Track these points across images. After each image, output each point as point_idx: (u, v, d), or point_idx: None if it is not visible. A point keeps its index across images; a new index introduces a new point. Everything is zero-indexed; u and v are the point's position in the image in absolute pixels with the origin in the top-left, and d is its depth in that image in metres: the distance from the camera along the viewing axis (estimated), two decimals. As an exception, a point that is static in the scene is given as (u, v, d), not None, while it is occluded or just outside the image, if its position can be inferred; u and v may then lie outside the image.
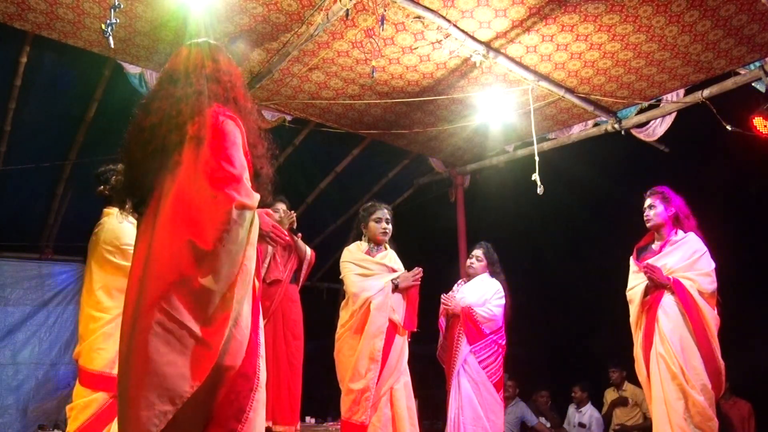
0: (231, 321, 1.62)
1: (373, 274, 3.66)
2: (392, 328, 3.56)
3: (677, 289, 3.42)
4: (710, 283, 3.44)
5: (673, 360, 3.34)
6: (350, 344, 3.53)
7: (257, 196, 1.72)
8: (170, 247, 1.64)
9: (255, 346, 1.70)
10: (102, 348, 2.88)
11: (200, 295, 1.60)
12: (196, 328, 1.58)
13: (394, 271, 3.71)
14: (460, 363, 4.15)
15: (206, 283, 1.60)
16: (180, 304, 1.58)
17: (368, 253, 3.78)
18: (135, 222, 3.06)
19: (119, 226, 3.02)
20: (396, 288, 3.63)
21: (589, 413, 5.94)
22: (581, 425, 5.91)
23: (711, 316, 3.39)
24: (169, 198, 1.71)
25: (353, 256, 3.76)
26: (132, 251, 2.86)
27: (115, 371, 2.79)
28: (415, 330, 3.70)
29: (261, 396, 1.69)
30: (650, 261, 3.60)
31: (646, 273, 3.53)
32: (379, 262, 3.71)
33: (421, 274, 3.69)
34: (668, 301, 3.46)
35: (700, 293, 3.40)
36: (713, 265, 3.49)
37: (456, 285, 4.62)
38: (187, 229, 1.64)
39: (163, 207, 1.71)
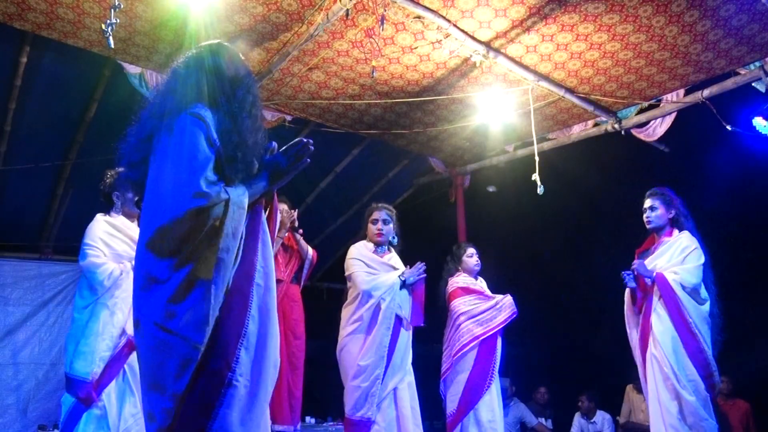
0: (202, 315, 1.63)
1: (380, 273, 3.67)
2: (398, 325, 3.56)
3: (658, 281, 3.46)
4: (694, 277, 3.44)
5: (665, 361, 3.36)
6: (356, 342, 3.53)
7: (215, 191, 1.70)
8: (144, 241, 1.72)
9: (232, 337, 1.67)
10: (68, 350, 3.08)
11: (177, 296, 1.64)
12: (165, 323, 1.64)
13: (396, 269, 3.73)
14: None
15: (176, 275, 1.65)
16: (162, 301, 1.64)
17: (374, 253, 3.79)
18: (115, 221, 3.23)
19: (90, 226, 3.20)
20: (403, 284, 3.64)
21: (601, 418, 5.92)
22: None
23: (695, 310, 3.40)
24: (146, 195, 1.79)
25: (361, 253, 3.76)
26: (89, 250, 3.10)
27: (74, 373, 2.96)
28: (422, 325, 3.69)
29: (240, 393, 1.64)
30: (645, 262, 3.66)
31: (633, 270, 3.60)
32: (385, 262, 3.73)
33: (424, 268, 3.69)
34: (659, 303, 3.49)
35: (683, 287, 3.42)
36: (702, 259, 3.50)
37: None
38: (153, 224, 1.71)
39: (143, 204, 1.80)
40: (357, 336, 3.54)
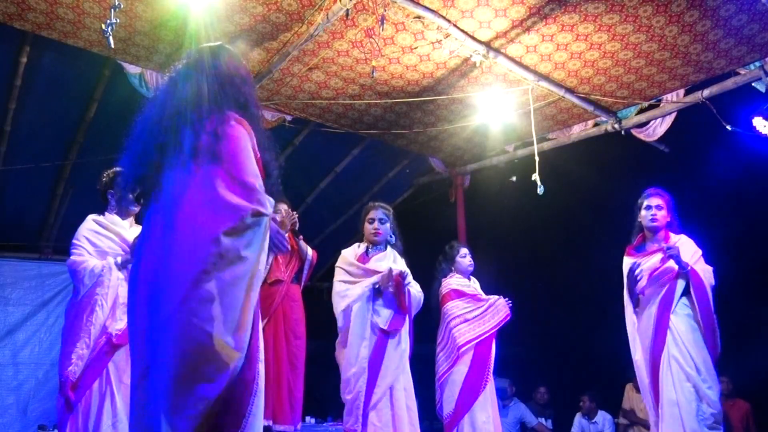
0: (248, 325, 1.64)
1: (357, 281, 3.58)
2: (380, 335, 3.47)
3: (693, 275, 3.43)
4: (713, 277, 3.49)
5: (688, 362, 3.34)
6: (342, 355, 3.51)
7: (272, 202, 1.77)
8: (191, 247, 1.66)
9: (255, 350, 1.71)
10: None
11: (214, 298, 1.61)
12: (212, 328, 1.60)
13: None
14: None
15: (223, 286, 1.62)
16: (198, 305, 1.60)
17: (363, 255, 3.70)
18: (104, 219, 3.23)
19: (79, 227, 3.20)
20: (379, 292, 3.52)
21: (602, 419, 5.92)
22: None
23: (714, 307, 3.43)
24: (185, 197, 1.72)
25: (344, 260, 3.72)
26: (73, 249, 3.08)
27: (60, 372, 2.98)
28: (399, 330, 3.53)
29: (260, 401, 1.69)
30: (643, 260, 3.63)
31: (666, 253, 3.47)
32: (366, 268, 3.61)
33: (398, 276, 3.51)
34: (682, 303, 3.47)
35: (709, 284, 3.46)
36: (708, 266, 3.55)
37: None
38: (203, 234, 1.65)
39: (179, 205, 1.72)
40: (342, 348, 3.53)
